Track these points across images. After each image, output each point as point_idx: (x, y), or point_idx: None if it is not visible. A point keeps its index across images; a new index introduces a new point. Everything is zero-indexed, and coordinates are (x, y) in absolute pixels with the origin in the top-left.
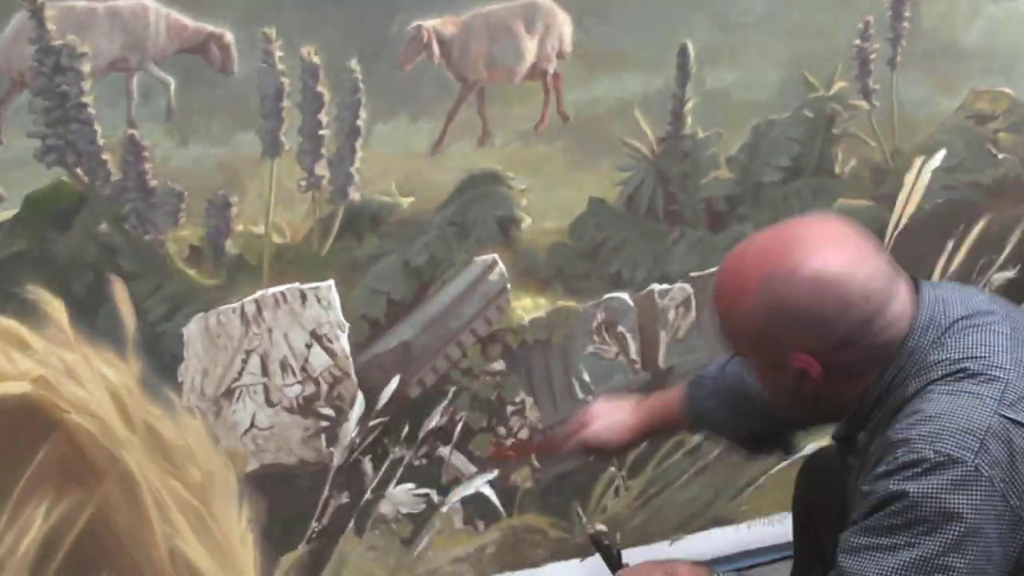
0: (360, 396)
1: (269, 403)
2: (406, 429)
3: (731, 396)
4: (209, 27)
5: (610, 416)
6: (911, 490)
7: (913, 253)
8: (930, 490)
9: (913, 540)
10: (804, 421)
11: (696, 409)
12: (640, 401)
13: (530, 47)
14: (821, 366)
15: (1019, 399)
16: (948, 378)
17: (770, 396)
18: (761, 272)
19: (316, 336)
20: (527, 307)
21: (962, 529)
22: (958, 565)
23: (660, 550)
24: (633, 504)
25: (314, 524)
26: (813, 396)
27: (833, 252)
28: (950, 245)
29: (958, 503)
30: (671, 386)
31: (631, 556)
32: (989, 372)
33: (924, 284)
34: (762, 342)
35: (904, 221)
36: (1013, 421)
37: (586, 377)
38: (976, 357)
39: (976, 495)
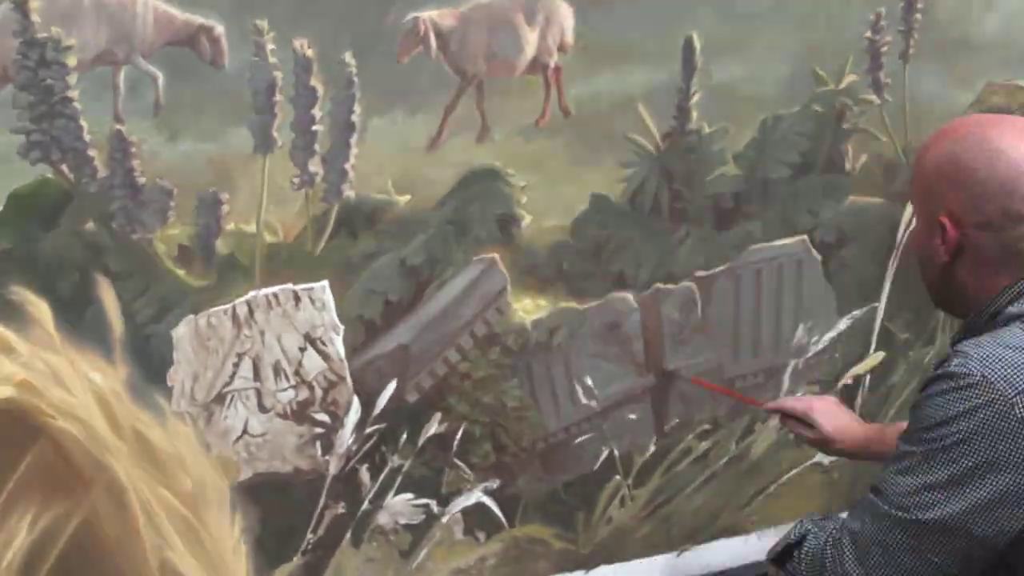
0: (356, 401)
1: (262, 409)
2: (404, 436)
3: None
4: (199, 19)
5: (840, 418)
6: (942, 404)
7: None
8: (957, 410)
9: (930, 458)
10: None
11: None
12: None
13: (531, 40)
14: (958, 237)
15: None
16: None
17: (917, 256)
18: (960, 131)
19: (310, 339)
20: (528, 308)
21: (978, 459)
22: (969, 496)
23: (667, 562)
24: (639, 514)
25: (309, 535)
26: (943, 268)
27: None
28: None
29: (980, 430)
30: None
31: (636, 568)
32: None
33: None
34: (926, 192)
35: None
36: None
37: (589, 381)
38: None
39: (1001, 430)
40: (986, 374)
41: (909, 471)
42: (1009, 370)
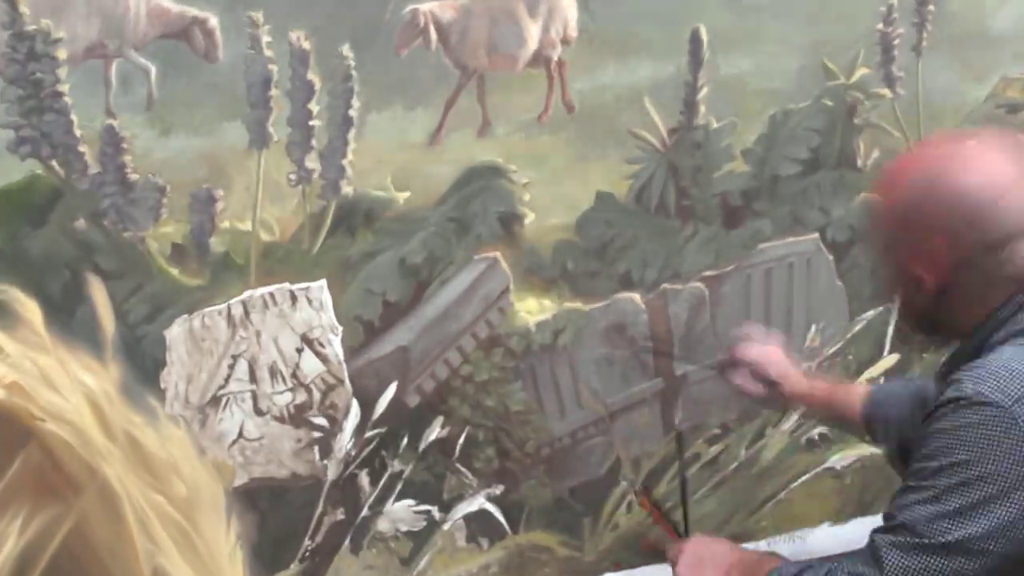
0: (355, 405)
1: (258, 412)
2: (405, 440)
3: (913, 394)
4: (192, 11)
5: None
6: (945, 427)
7: None
8: (958, 428)
9: (938, 481)
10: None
11: (877, 398)
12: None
13: (533, 32)
14: (935, 279)
15: None
16: None
17: (899, 307)
18: (913, 172)
19: (307, 340)
20: (531, 309)
21: (986, 473)
22: (984, 511)
23: None
24: (646, 520)
25: (307, 542)
26: (927, 309)
27: (984, 171)
28: None
29: (984, 445)
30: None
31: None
32: None
33: None
34: (901, 231)
35: None
36: None
37: (595, 384)
38: None
39: (1006, 441)
40: (979, 390)
41: (927, 502)
42: (1000, 382)
